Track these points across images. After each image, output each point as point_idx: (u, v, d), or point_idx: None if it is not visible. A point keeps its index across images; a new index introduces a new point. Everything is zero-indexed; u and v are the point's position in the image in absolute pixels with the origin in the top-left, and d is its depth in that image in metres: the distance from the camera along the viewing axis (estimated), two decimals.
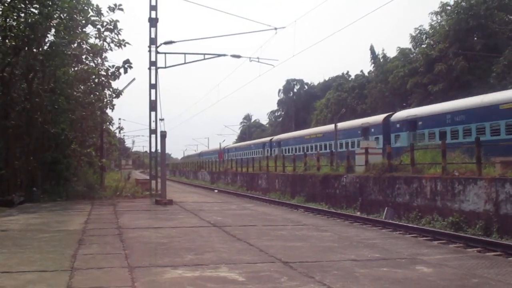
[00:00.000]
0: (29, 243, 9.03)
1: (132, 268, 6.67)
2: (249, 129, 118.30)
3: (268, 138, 64.51)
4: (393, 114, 35.48)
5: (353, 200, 24.78)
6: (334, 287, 5.73)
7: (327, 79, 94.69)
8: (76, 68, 23.07)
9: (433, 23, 54.32)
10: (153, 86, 22.36)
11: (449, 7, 51.45)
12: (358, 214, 22.52)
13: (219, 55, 26.25)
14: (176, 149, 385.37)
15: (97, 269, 6.66)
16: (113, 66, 22.23)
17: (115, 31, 21.38)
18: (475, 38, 48.59)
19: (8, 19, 19.30)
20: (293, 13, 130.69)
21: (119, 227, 11.18)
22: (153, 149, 23.30)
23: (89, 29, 21.60)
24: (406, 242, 10.17)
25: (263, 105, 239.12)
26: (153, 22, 22.14)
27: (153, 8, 22.03)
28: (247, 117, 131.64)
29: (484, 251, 13.12)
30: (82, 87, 23.41)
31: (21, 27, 19.36)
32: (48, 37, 20.83)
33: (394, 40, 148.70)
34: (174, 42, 24.26)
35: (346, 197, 25.63)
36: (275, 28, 26.88)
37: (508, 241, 14.78)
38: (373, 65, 68.81)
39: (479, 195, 17.14)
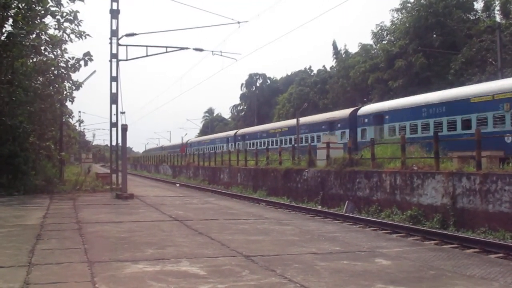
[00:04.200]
0: None
1: (92, 263, 6.58)
2: (212, 122, 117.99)
3: (341, 113, 38.29)
4: None
5: (314, 194, 25.01)
6: (295, 280, 5.78)
7: (289, 73, 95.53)
8: (34, 60, 22.53)
9: (394, 19, 55.27)
10: (114, 79, 22.05)
11: (409, 4, 52.38)
12: (319, 208, 22.75)
13: (181, 48, 26.07)
14: (138, 143, 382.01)
15: (56, 265, 6.54)
16: (73, 58, 21.79)
17: (75, 22, 20.91)
18: (434, 35, 49.66)
19: None
20: (256, 7, 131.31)
21: (78, 222, 11.01)
22: (114, 143, 23.01)
23: (48, 19, 21.08)
24: (366, 235, 10.33)
25: (226, 99, 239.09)
26: (114, 13, 21.80)
27: None
28: (210, 111, 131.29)
29: (441, 243, 13.43)
30: (41, 79, 22.86)
31: None
32: (5, 27, 20.26)
33: (356, 35, 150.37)
34: (136, 34, 23.95)
35: (307, 191, 25.86)
36: (238, 22, 26.90)
37: (464, 234, 15.19)
38: (335, 60, 69.46)
39: (437, 189, 17.52)
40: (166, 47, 24.83)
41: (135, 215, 12.72)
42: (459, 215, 16.50)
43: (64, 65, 21.93)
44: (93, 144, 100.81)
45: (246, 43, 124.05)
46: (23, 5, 19.69)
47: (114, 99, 22.03)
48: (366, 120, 32.57)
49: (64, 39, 21.39)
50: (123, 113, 21.82)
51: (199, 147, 72.87)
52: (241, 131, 60.52)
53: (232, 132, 63.26)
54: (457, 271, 6.44)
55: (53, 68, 22.17)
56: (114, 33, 21.97)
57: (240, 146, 53.35)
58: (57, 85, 22.56)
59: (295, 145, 35.26)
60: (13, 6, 19.46)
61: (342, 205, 22.14)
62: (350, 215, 19.79)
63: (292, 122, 45.11)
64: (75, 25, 20.98)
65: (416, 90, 43.30)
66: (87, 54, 21.37)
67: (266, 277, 5.94)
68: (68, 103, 25.11)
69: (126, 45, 23.11)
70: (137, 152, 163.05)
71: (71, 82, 22.72)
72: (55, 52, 21.96)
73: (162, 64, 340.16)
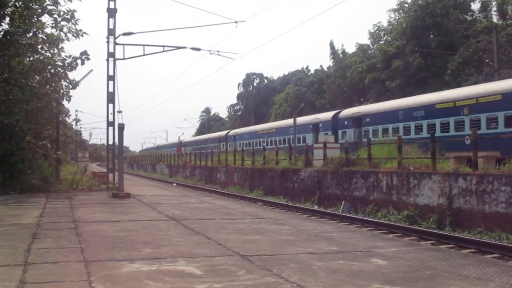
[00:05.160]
0: None
1: (88, 262, 6.58)
2: (208, 122, 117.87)
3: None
4: None
5: (311, 194, 25.01)
6: (291, 280, 5.78)
7: (286, 73, 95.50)
8: (31, 58, 22.49)
9: (391, 20, 55.31)
10: (111, 78, 22.05)
11: (406, 5, 52.43)
12: (316, 207, 22.75)
13: (178, 48, 26.08)
14: (134, 142, 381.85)
15: (52, 264, 6.53)
16: (70, 56, 21.78)
17: (72, 21, 20.86)
18: (431, 36, 49.69)
19: None
20: (254, 6, 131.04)
21: (75, 221, 10.99)
22: (110, 142, 23.00)
23: (45, 18, 21.03)
24: (362, 235, 10.34)
25: (223, 99, 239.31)
26: (111, 12, 21.80)
27: None
28: (207, 110, 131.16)
29: (437, 244, 13.43)
30: (37, 77, 22.81)
31: None
32: (2, 25, 20.25)
33: (353, 36, 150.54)
34: (133, 33, 23.94)
35: (304, 191, 25.86)
36: (235, 22, 26.93)
37: (461, 234, 15.20)
38: (332, 60, 69.43)
39: (433, 189, 17.54)
40: (163, 46, 24.84)
41: (132, 214, 12.70)
42: (455, 216, 16.52)
43: (61, 64, 21.89)
44: (90, 143, 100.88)
45: (243, 42, 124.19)
46: (20, 3, 19.65)
47: (111, 98, 22.03)
48: None
49: (61, 37, 21.37)
50: (120, 112, 21.84)
51: (251, 140, 50.81)
52: (347, 112, 34.72)
53: (326, 115, 38.18)
54: (453, 271, 6.46)
55: (50, 67, 22.13)
56: (111, 32, 21.98)
57: (345, 136, 32.69)
58: (53, 84, 22.51)
59: (292, 144, 35.13)
60: (10, 4, 19.41)
61: (339, 205, 22.15)
62: (347, 215, 19.79)
63: (467, 90, 26.66)
64: (72, 23, 20.94)
65: (413, 90, 43.35)
66: (84, 53, 21.35)
67: (262, 276, 5.94)
68: (64, 102, 25.08)
69: (123, 44, 23.11)
70: (133, 151, 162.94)
71: (68, 81, 22.69)
72: (52, 51, 21.92)
73: (159, 63, 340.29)
